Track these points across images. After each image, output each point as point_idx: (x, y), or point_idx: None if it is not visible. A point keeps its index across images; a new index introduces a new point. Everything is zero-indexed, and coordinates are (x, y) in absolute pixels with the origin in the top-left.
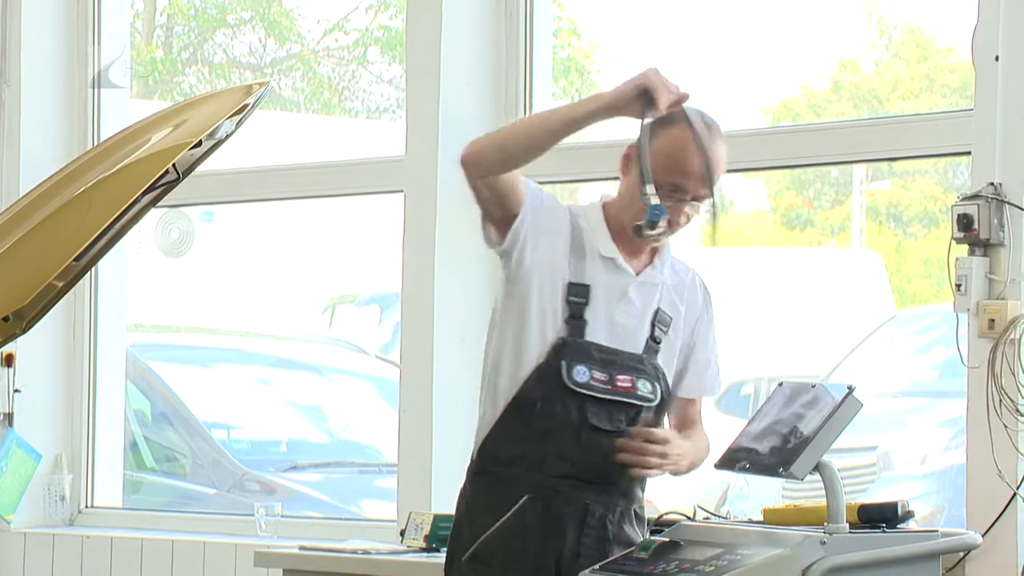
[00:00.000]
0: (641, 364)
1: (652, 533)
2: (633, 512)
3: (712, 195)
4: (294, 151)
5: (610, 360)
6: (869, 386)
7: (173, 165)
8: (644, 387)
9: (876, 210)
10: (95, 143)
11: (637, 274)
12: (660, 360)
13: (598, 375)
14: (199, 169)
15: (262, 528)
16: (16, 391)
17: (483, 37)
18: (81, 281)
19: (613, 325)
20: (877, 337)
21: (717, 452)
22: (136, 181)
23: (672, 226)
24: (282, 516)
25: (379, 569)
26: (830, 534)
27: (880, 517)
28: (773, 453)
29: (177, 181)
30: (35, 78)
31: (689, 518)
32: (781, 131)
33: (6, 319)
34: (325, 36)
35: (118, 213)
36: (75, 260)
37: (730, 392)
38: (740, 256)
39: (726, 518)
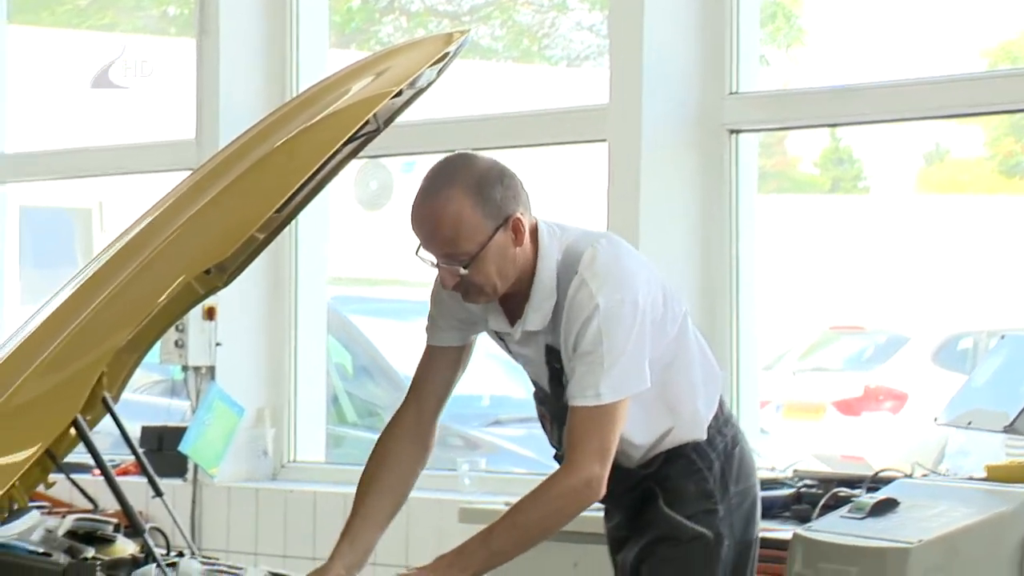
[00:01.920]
0: (555, 408)
1: (869, 491)
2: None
3: (456, 257)
4: (493, 100)
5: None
6: None
7: (374, 115)
8: (555, 433)
9: None
10: (294, 93)
11: (513, 332)
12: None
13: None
14: (399, 119)
15: (465, 484)
16: (218, 345)
17: None
18: (282, 233)
19: (535, 380)
20: None
21: (937, 408)
22: (337, 131)
23: (448, 288)
24: (486, 472)
25: (585, 526)
26: None
27: None
28: (996, 408)
29: (378, 131)
30: (233, 28)
31: (907, 475)
32: (1000, 75)
33: (208, 272)
34: None
35: (319, 164)
36: (276, 212)
37: (948, 346)
38: (956, 204)
39: (946, 475)
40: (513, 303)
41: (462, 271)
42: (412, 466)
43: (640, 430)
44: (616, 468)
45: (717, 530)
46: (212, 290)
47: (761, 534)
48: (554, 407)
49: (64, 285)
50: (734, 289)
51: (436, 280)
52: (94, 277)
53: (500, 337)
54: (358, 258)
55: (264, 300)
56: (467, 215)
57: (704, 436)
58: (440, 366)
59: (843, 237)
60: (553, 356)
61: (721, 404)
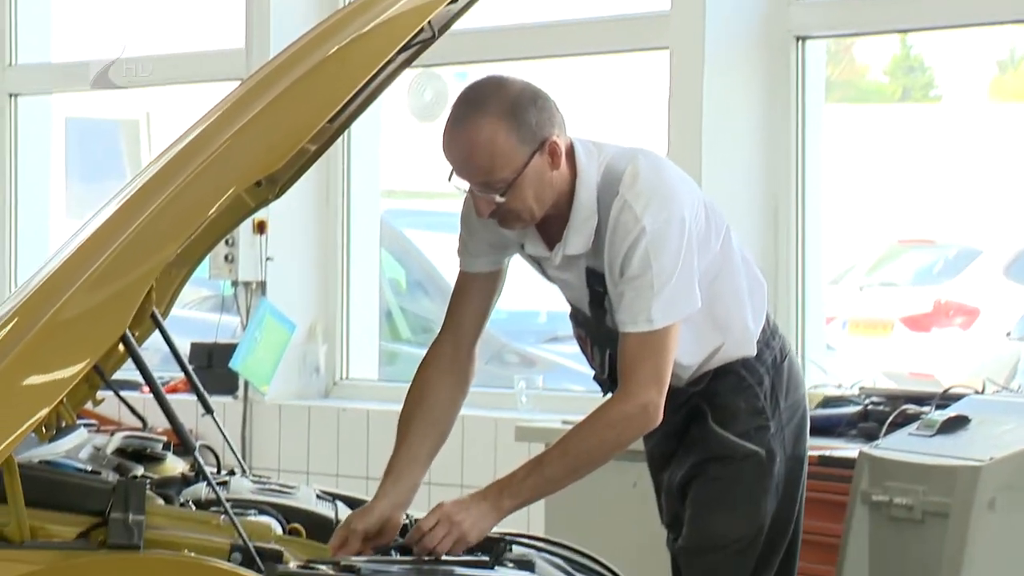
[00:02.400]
0: (596, 332)
1: (938, 408)
2: None
3: (492, 185)
4: (551, 7)
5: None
6: None
7: (428, 22)
8: (596, 356)
9: None
10: (347, 1)
11: (552, 256)
12: (611, 320)
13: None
14: (454, 27)
15: (522, 402)
16: (269, 259)
17: None
18: (334, 145)
19: (575, 303)
20: None
21: (1009, 323)
22: (391, 39)
23: (484, 216)
24: (543, 389)
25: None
26: None
27: None
28: None
29: (432, 39)
30: None
31: (978, 392)
32: None
33: (258, 184)
34: None
35: (372, 73)
36: (328, 122)
37: (1021, 260)
38: None
39: (1018, 391)
40: (550, 226)
41: (498, 199)
42: (453, 399)
43: (689, 351)
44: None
45: (769, 447)
46: (263, 203)
47: (827, 452)
48: (595, 330)
49: (111, 198)
50: (800, 201)
51: (465, 203)
52: (142, 190)
53: (536, 261)
54: (412, 170)
55: (316, 214)
56: (501, 141)
57: (754, 352)
58: (475, 293)
59: (913, 148)
60: (594, 279)
61: (767, 316)
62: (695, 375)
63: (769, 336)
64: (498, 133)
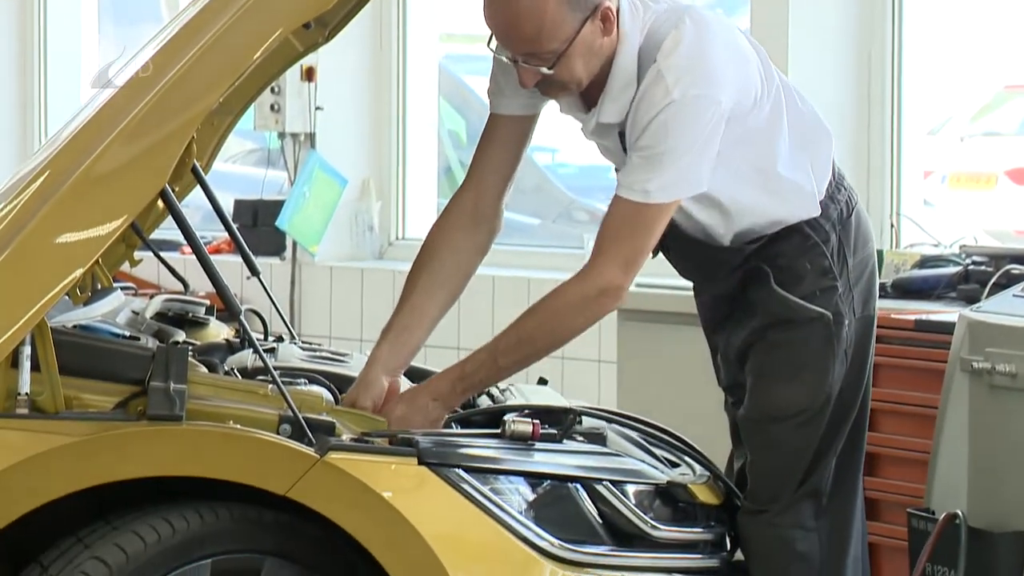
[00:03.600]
0: None
1: None
2: None
3: (540, 56)
4: None
5: None
6: None
7: None
8: None
9: None
10: None
11: (588, 120)
12: None
13: None
14: None
15: None
16: (318, 108)
17: None
18: None
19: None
20: None
21: None
22: None
23: (528, 87)
24: None
25: None
26: None
27: None
28: None
29: None
30: None
31: None
32: None
33: (307, 26)
34: None
35: None
36: None
37: None
38: None
39: None
40: (589, 89)
41: (545, 71)
42: (469, 256)
43: (745, 221)
44: (716, 248)
45: (837, 309)
46: (311, 47)
47: (924, 316)
48: None
49: (147, 42)
50: (895, 44)
51: None
52: (180, 32)
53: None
54: (472, 11)
55: (368, 59)
56: (552, 9)
57: (818, 212)
58: (505, 139)
59: None
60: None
61: (833, 167)
62: (751, 237)
63: (834, 189)
64: (547, 0)
